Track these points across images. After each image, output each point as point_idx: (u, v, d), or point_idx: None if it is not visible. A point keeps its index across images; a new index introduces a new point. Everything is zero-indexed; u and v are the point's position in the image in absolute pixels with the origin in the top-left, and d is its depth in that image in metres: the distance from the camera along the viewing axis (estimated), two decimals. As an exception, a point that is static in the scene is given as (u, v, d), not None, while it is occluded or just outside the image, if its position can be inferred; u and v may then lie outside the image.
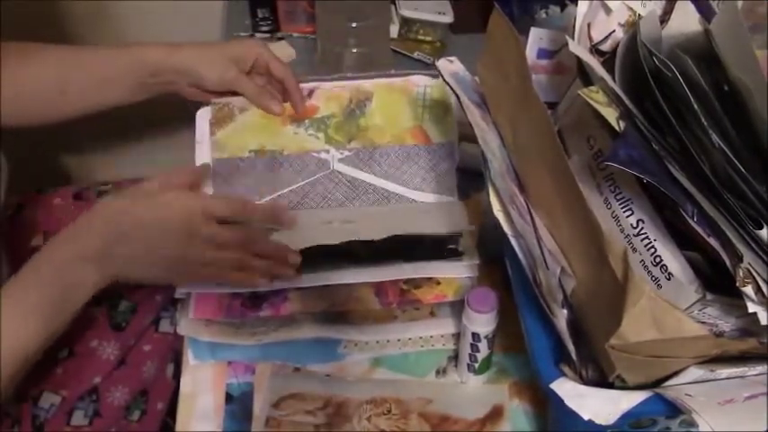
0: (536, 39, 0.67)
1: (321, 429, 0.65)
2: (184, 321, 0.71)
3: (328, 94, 0.84)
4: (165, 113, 1.08)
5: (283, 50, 1.05)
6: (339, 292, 0.72)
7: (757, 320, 0.47)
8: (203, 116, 0.84)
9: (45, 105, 0.82)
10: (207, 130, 0.83)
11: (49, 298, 0.63)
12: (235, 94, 0.84)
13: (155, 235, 0.66)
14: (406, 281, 0.73)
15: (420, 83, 0.84)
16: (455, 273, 0.73)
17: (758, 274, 0.46)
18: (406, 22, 1.07)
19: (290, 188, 0.81)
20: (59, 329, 0.65)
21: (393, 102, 0.84)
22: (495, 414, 0.67)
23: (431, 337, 0.73)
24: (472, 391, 0.69)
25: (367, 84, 0.84)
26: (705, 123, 0.48)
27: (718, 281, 0.49)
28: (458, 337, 0.69)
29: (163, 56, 0.81)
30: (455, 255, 0.73)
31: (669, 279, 0.50)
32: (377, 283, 0.73)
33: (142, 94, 0.83)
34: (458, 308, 0.72)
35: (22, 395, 0.76)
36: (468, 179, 0.82)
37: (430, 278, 0.73)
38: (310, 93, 0.85)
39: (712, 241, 0.48)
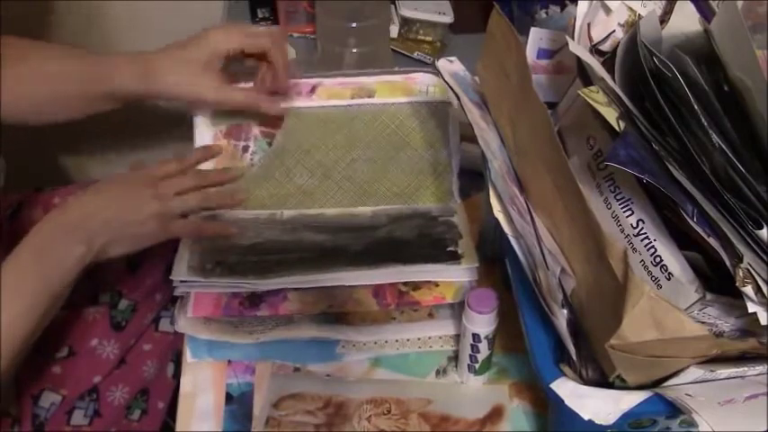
0: (536, 39, 0.67)
1: (321, 429, 0.65)
2: (183, 319, 0.71)
3: (330, 91, 0.83)
4: (165, 113, 1.08)
5: (283, 50, 1.04)
6: (338, 293, 0.72)
7: (757, 320, 0.47)
8: (202, 119, 0.84)
9: (40, 108, 0.80)
10: (206, 132, 0.82)
11: (35, 275, 0.64)
12: None
13: (111, 195, 0.73)
14: (405, 282, 0.73)
15: (423, 80, 0.84)
16: (454, 276, 0.73)
17: (758, 274, 0.46)
18: (406, 22, 1.07)
19: None
20: (52, 308, 0.66)
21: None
22: (495, 414, 0.67)
23: (429, 338, 0.72)
24: (472, 392, 0.69)
25: (369, 81, 0.84)
26: (705, 123, 0.48)
27: (718, 281, 0.49)
28: (456, 338, 0.69)
29: (136, 85, 0.77)
30: (454, 258, 0.73)
31: (669, 279, 0.50)
32: (375, 285, 0.73)
33: (126, 104, 0.80)
34: (456, 310, 0.72)
35: (22, 394, 0.76)
36: (469, 179, 0.82)
37: (428, 280, 0.73)
38: (313, 88, 0.84)
39: (712, 241, 0.48)
